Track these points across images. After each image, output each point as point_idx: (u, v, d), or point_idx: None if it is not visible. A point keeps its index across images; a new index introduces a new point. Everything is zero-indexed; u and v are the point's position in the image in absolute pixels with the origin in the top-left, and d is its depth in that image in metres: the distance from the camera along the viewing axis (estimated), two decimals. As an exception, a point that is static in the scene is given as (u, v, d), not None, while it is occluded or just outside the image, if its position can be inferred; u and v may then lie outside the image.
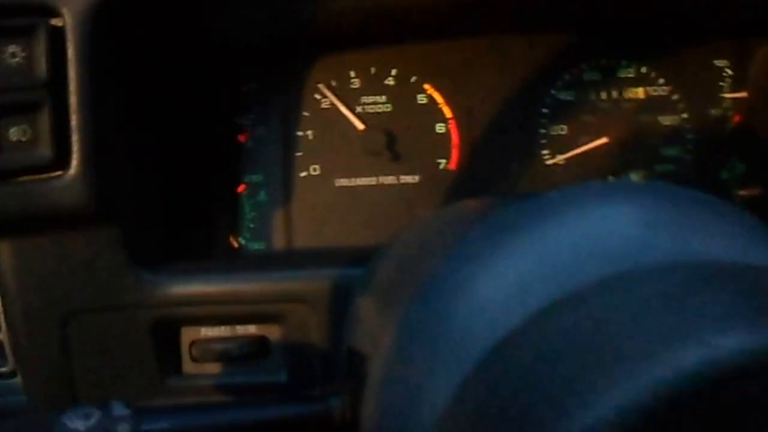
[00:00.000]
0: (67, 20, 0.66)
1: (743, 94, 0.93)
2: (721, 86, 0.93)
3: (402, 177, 0.90)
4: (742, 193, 0.92)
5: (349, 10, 0.81)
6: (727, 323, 0.31)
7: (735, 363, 0.29)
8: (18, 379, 0.75)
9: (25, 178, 0.67)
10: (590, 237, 0.39)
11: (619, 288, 0.34)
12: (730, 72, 0.93)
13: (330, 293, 0.70)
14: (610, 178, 0.91)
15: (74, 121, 0.66)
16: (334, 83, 0.90)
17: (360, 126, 0.89)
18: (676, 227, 0.40)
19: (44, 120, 0.66)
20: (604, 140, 0.90)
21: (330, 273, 0.71)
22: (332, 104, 0.90)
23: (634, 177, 0.91)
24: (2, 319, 0.74)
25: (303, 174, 0.90)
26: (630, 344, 0.31)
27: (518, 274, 0.38)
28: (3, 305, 0.73)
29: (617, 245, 0.38)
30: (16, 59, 0.65)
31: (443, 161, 0.90)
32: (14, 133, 0.66)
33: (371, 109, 0.90)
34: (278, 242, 0.89)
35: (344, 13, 0.82)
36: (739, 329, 0.30)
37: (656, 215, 0.40)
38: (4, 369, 0.76)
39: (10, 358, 0.75)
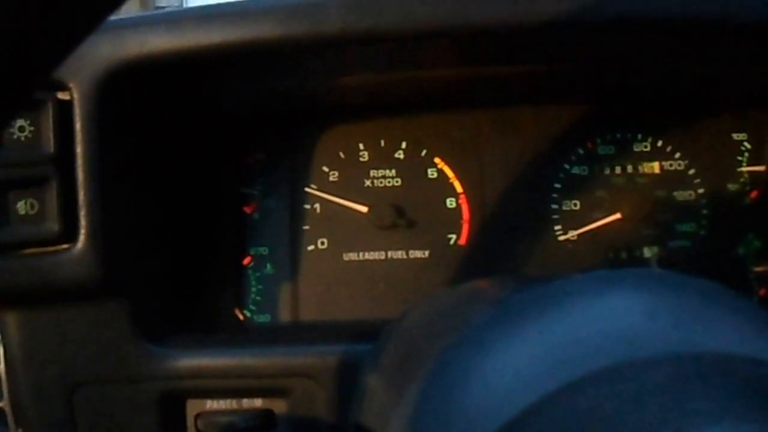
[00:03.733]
0: (75, 94, 0.67)
1: (761, 168, 0.91)
2: (739, 160, 0.92)
3: (411, 252, 0.89)
4: (759, 269, 0.90)
5: (354, 84, 0.81)
6: (712, 419, 0.31)
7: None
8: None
9: (33, 251, 0.68)
10: (592, 327, 0.40)
11: (614, 380, 0.35)
12: (748, 145, 0.92)
13: (337, 369, 0.70)
14: (624, 255, 0.90)
15: (81, 195, 0.68)
16: (342, 155, 0.90)
17: (363, 209, 0.88)
18: (677, 318, 0.40)
19: (51, 194, 0.67)
20: (617, 216, 0.89)
21: (337, 348, 0.71)
22: (340, 177, 0.90)
23: (648, 253, 0.89)
24: (5, 388, 0.74)
25: (310, 247, 0.89)
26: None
27: (523, 362, 0.39)
28: (8, 375, 0.74)
29: (618, 336, 0.39)
30: (25, 133, 0.67)
31: (453, 236, 0.90)
32: (22, 207, 0.67)
33: (380, 183, 0.90)
34: (284, 315, 0.89)
35: (349, 87, 0.83)
36: (723, 426, 0.31)
37: (658, 305, 0.41)
38: (5, 436, 0.76)
39: (12, 426, 0.75)
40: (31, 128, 0.67)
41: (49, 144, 0.66)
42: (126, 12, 0.71)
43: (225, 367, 0.72)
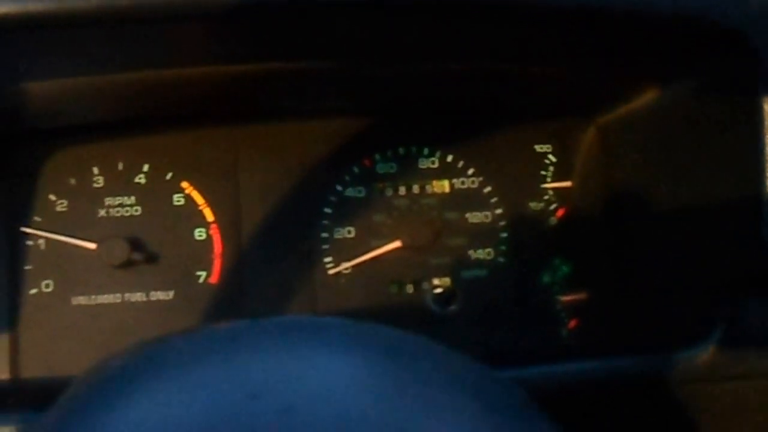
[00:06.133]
0: None
1: (567, 184, 0.80)
2: (543, 175, 0.80)
3: (153, 293, 0.75)
4: (567, 298, 0.78)
5: (85, 91, 0.67)
6: None
7: None
8: None
9: None
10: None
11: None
12: (552, 158, 0.81)
13: None
14: (409, 289, 0.77)
15: None
16: (73, 181, 0.76)
17: (90, 246, 0.74)
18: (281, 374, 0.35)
19: None
20: (397, 244, 0.77)
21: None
22: (70, 207, 0.76)
23: (439, 284, 0.77)
24: None
25: (33, 291, 0.75)
26: None
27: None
28: None
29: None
30: None
31: (203, 274, 0.76)
32: None
33: (116, 212, 0.76)
34: (1, 373, 0.74)
35: (78, 96, 0.69)
36: None
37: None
38: None
39: None
40: None
41: None
42: None
43: None
